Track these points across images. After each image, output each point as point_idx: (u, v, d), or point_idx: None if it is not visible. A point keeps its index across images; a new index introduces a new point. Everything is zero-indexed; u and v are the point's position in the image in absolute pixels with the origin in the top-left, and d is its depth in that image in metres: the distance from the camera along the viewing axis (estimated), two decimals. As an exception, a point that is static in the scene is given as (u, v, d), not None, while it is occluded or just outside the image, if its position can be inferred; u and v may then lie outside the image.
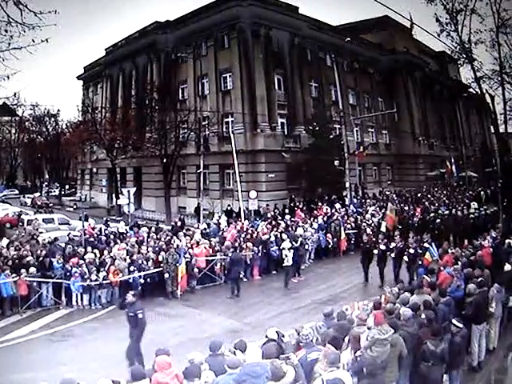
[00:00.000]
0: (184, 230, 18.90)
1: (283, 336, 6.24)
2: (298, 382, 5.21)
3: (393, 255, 14.70)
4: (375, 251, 15.10)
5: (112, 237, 17.95)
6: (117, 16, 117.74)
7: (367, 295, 12.50)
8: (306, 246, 18.19)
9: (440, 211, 22.03)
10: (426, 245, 14.80)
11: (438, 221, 19.96)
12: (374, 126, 40.34)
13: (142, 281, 13.93)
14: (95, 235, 17.97)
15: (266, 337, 6.34)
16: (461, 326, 7.38)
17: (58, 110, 49.19)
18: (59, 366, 8.92)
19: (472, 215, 20.55)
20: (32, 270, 13.05)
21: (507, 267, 9.71)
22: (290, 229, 18.68)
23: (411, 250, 14.36)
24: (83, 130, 36.22)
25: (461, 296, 9.10)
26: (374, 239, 16.10)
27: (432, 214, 21.34)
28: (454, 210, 22.03)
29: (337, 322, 7.34)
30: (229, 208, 26.37)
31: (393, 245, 14.88)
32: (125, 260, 14.09)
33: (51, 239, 16.35)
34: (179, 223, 21.87)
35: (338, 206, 25.49)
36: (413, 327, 7.10)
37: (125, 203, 22.60)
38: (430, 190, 34.63)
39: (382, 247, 14.99)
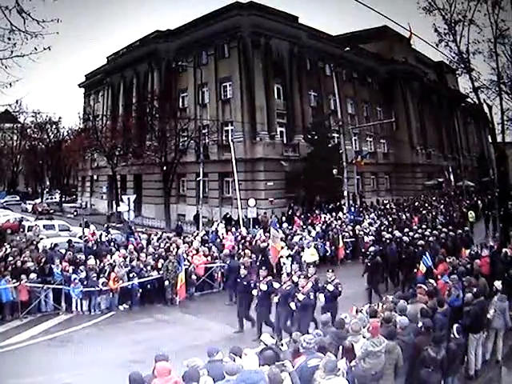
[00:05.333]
0: (182, 238, 19.06)
1: (281, 344, 6.33)
2: None
3: (276, 299, 10.70)
4: (254, 292, 11.25)
5: (112, 244, 18.10)
6: (118, 25, 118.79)
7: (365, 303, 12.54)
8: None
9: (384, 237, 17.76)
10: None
11: (371, 250, 15.34)
12: (373, 135, 40.57)
13: (140, 290, 14.09)
14: (96, 242, 18.08)
15: (262, 343, 6.41)
16: (458, 337, 7.50)
17: (60, 118, 49.53)
18: (58, 372, 9.01)
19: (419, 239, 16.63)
20: (32, 275, 13.15)
21: (497, 284, 9.73)
22: (288, 237, 18.82)
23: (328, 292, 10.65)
24: (84, 137, 36.41)
25: (459, 305, 9.20)
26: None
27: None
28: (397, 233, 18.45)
29: (334, 329, 7.44)
30: (228, 216, 26.49)
31: (276, 285, 10.91)
32: (126, 266, 14.21)
33: (52, 245, 16.46)
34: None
35: (340, 214, 25.69)
36: (409, 336, 7.21)
37: (125, 210, 22.66)
38: (427, 199, 34.81)
39: (263, 287, 11.00)
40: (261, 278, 11.28)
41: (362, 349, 6.41)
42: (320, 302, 10.62)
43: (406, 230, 19.53)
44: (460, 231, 18.63)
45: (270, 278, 11.32)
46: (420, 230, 19.06)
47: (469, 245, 16.57)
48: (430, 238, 16.81)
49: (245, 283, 11.78)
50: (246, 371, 5.26)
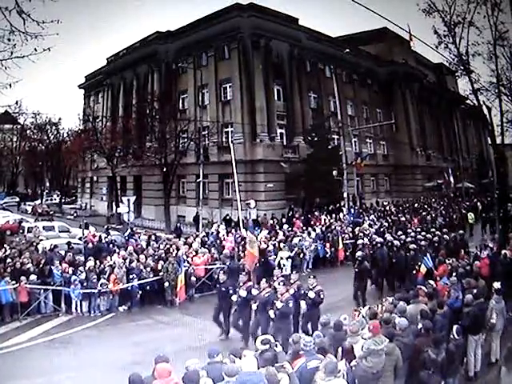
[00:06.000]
0: (183, 239, 19.07)
1: (276, 346, 6.32)
2: None
3: (254, 307, 10.35)
4: (234, 297, 10.86)
5: (111, 245, 18.10)
6: (118, 26, 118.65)
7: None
8: (306, 256, 18.35)
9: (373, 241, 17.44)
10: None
11: (359, 254, 14.36)
12: (372, 136, 40.58)
13: (140, 291, 14.09)
14: (95, 243, 18.07)
15: (262, 342, 6.42)
16: (457, 338, 7.51)
17: (60, 119, 49.43)
18: (58, 373, 9.04)
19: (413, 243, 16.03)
20: (32, 277, 13.15)
21: (496, 285, 9.74)
22: (288, 238, 18.82)
23: (311, 294, 10.28)
24: (84, 138, 36.38)
25: (458, 306, 9.22)
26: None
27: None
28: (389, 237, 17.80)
29: (333, 331, 7.46)
30: (228, 217, 26.50)
31: (255, 292, 10.55)
32: (126, 268, 14.22)
33: (51, 246, 16.46)
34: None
35: (341, 215, 25.68)
36: (408, 337, 7.21)
37: (125, 211, 22.74)
38: (427, 200, 34.82)
39: (243, 293, 10.63)
40: (241, 284, 10.91)
41: (364, 347, 6.42)
42: (302, 309, 10.37)
43: (399, 233, 19.05)
44: (454, 234, 18.09)
45: (250, 283, 10.93)
46: (413, 234, 18.35)
47: (464, 249, 15.84)
48: (423, 242, 16.11)
49: (223, 289, 11.29)
50: (245, 373, 5.27)
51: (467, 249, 16.15)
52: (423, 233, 18.47)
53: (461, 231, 19.42)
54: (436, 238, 17.18)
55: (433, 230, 19.79)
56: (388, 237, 17.82)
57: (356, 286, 13.55)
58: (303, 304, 10.28)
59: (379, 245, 16.16)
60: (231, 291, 10.95)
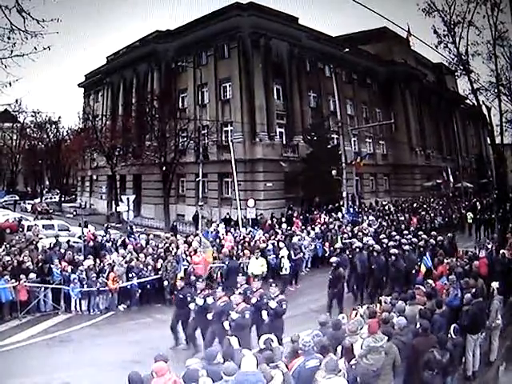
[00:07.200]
0: (183, 237, 19.09)
1: (272, 341, 6.35)
2: None
3: (210, 316, 9.53)
4: (192, 306, 10.14)
5: (110, 244, 18.12)
6: (118, 25, 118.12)
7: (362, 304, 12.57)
8: (306, 255, 18.36)
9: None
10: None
11: (333, 260, 13.48)
12: (372, 136, 40.52)
13: (139, 290, 14.11)
14: (95, 241, 18.09)
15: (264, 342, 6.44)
16: (455, 337, 7.55)
17: (59, 117, 49.20)
18: (57, 371, 9.05)
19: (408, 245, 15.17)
20: (31, 275, 13.17)
21: (494, 285, 9.78)
22: (287, 237, 18.83)
23: (272, 304, 9.41)
24: (84, 137, 36.39)
25: (457, 305, 9.25)
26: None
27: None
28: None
29: (332, 330, 7.48)
30: (227, 216, 26.52)
31: (210, 300, 9.82)
32: (125, 267, 14.25)
33: (51, 245, 16.47)
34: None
35: (339, 215, 25.72)
36: (406, 336, 7.25)
37: (124, 210, 22.72)
38: (426, 200, 34.85)
39: (199, 301, 9.95)
40: (198, 291, 10.28)
41: (364, 345, 6.46)
42: (263, 320, 9.46)
43: (382, 236, 18.09)
44: (441, 238, 16.63)
45: (208, 291, 10.20)
46: (397, 237, 17.11)
47: (453, 253, 15.13)
48: (406, 247, 14.83)
49: (181, 296, 10.63)
50: (243, 372, 5.28)
51: (456, 253, 15.37)
52: (409, 236, 17.44)
53: (450, 234, 18.23)
54: (422, 243, 15.93)
55: (420, 232, 18.55)
56: (370, 240, 16.75)
57: (330, 295, 12.67)
58: (264, 315, 9.40)
59: (358, 249, 15.16)
60: (189, 298, 10.28)
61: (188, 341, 10.42)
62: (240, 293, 9.63)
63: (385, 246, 15.57)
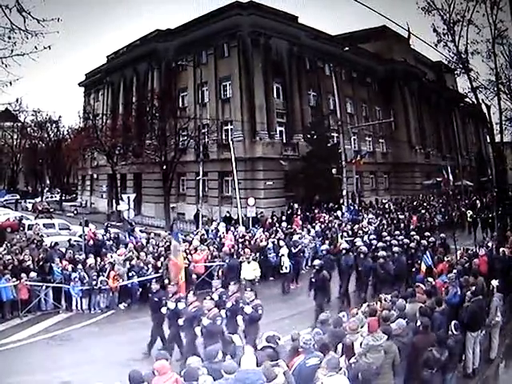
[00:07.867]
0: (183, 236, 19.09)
1: (279, 339, 6.37)
2: None
3: (181, 322, 9.12)
4: (164, 310, 9.68)
5: (111, 242, 18.14)
6: (119, 24, 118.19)
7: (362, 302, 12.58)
8: (306, 254, 18.38)
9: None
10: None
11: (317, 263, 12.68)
12: (371, 134, 40.55)
13: (140, 289, 14.13)
14: (96, 240, 18.10)
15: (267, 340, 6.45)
16: (456, 333, 7.57)
17: (60, 117, 49.34)
18: (58, 370, 9.07)
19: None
20: (32, 274, 13.19)
21: (494, 283, 9.81)
22: (287, 236, 18.85)
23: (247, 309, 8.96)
24: (84, 136, 36.37)
25: (457, 302, 9.27)
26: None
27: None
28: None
29: (332, 328, 7.50)
30: (227, 215, 26.56)
31: (182, 306, 9.36)
32: (126, 266, 14.28)
33: (51, 244, 16.48)
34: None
35: (339, 213, 25.74)
36: (407, 336, 7.25)
37: (125, 209, 22.81)
38: (426, 198, 34.87)
39: (171, 305, 9.47)
40: (170, 295, 9.77)
41: (364, 344, 6.48)
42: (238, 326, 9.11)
43: (372, 236, 17.71)
44: (433, 239, 16.34)
45: (179, 295, 9.83)
46: (388, 237, 16.78)
47: (445, 255, 14.42)
48: (395, 249, 14.39)
49: (155, 299, 10.16)
50: (244, 370, 5.30)
51: (448, 255, 14.61)
52: (401, 237, 17.02)
53: (442, 234, 17.65)
54: (413, 244, 15.47)
55: (412, 233, 17.99)
56: (358, 242, 16.27)
57: (318, 300, 11.95)
58: (240, 320, 9.02)
59: (344, 251, 14.69)
60: (163, 302, 9.79)
61: (164, 344, 9.91)
62: (212, 298, 9.14)
63: (374, 247, 15.29)
